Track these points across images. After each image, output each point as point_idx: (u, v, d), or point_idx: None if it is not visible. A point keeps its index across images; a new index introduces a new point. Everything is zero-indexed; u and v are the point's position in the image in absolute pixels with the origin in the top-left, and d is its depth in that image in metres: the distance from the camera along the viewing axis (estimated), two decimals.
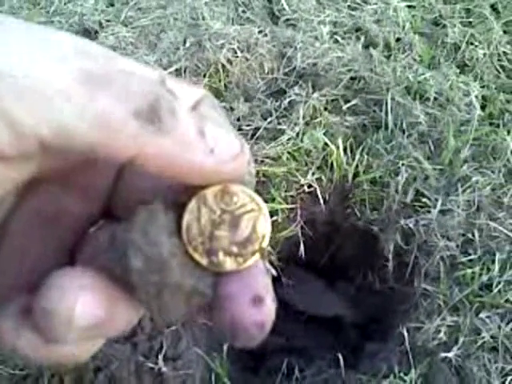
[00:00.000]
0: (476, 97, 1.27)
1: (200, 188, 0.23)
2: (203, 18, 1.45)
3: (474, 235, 1.06)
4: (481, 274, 1.01)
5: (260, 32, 1.42)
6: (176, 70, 1.33)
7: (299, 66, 1.34)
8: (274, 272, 0.25)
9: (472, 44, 1.43)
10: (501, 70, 1.39)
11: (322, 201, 1.14)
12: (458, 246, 1.05)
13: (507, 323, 0.95)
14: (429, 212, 1.08)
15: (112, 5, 1.56)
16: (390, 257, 1.09)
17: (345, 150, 1.17)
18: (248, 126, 1.22)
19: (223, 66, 1.34)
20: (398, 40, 1.44)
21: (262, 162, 1.14)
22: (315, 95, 1.26)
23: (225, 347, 0.98)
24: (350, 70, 1.32)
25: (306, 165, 1.16)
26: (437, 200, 1.09)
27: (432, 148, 1.19)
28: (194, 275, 0.23)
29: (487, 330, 0.95)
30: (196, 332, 1.00)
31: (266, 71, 1.36)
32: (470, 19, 1.51)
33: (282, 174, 1.13)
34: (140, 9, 1.53)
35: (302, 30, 1.44)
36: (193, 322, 1.00)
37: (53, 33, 0.21)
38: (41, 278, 0.22)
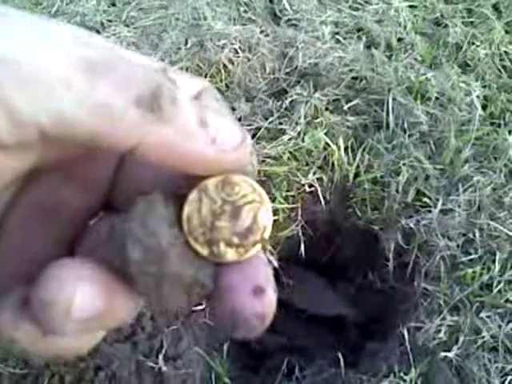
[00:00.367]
0: (477, 97, 1.27)
1: (201, 179, 0.23)
2: (205, 18, 1.45)
3: (474, 235, 1.05)
4: (481, 274, 1.01)
5: (262, 32, 1.42)
6: (178, 69, 1.33)
7: (301, 65, 1.34)
8: (275, 263, 0.25)
9: (474, 44, 1.42)
10: (502, 70, 1.38)
11: (322, 200, 1.14)
12: (458, 245, 1.05)
13: (507, 323, 0.95)
14: (429, 212, 1.08)
15: (114, 5, 1.56)
16: (391, 256, 1.09)
17: (346, 149, 1.17)
18: (249, 125, 1.22)
19: (225, 66, 1.34)
20: (399, 40, 1.44)
21: (263, 161, 1.14)
22: (316, 95, 1.26)
23: (225, 347, 0.98)
24: (351, 70, 1.32)
25: (307, 164, 1.16)
26: (438, 200, 1.09)
27: (433, 148, 1.19)
28: (193, 266, 0.22)
29: (487, 329, 0.95)
30: (196, 331, 1.00)
31: (268, 71, 1.36)
32: (472, 19, 1.51)
33: (283, 173, 1.13)
34: (142, 9, 1.53)
35: (304, 30, 1.44)
36: (194, 321, 1.00)
37: (54, 23, 0.21)
38: (40, 269, 0.21)
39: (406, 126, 1.21)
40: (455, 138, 1.17)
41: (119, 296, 0.22)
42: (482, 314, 0.96)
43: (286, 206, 1.11)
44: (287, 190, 1.13)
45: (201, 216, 0.23)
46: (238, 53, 1.36)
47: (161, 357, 0.94)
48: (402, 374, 0.92)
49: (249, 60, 1.36)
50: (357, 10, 1.52)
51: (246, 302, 0.22)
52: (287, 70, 1.36)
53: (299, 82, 1.32)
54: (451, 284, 1.01)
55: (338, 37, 1.43)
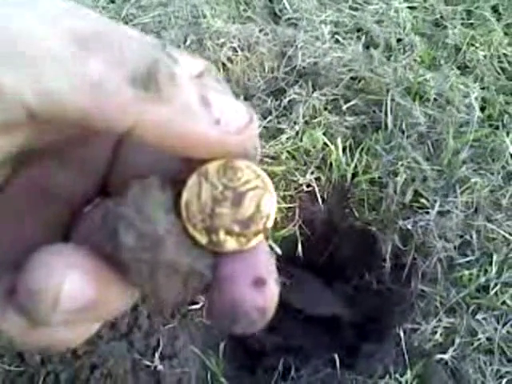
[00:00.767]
0: (476, 98, 1.27)
1: (202, 163, 0.22)
2: (204, 16, 1.45)
3: (471, 237, 1.06)
4: (478, 276, 1.01)
5: (261, 31, 1.42)
6: None
7: (300, 65, 1.34)
8: (278, 251, 0.23)
9: (473, 45, 1.43)
10: (501, 72, 1.39)
11: (320, 200, 1.14)
12: (455, 247, 1.05)
13: (503, 325, 0.95)
14: (427, 213, 1.08)
15: (113, 2, 1.56)
16: (388, 257, 1.09)
17: (344, 149, 1.17)
18: None
19: (224, 64, 1.34)
20: (398, 41, 1.44)
21: (261, 160, 1.14)
22: (315, 95, 1.26)
23: (221, 346, 0.98)
24: (350, 70, 1.32)
25: (305, 164, 1.16)
26: (435, 201, 1.09)
27: (431, 149, 1.19)
28: (191, 254, 0.21)
29: (483, 331, 0.95)
30: (192, 330, 1.00)
31: (267, 70, 1.36)
32: (471, 21, 1.51)
33: (281, 173, 1.13)
34: (141, 6, 1.53)
35: (303, 29, 1.43)
36: (190, 320, 1.00)
37: None
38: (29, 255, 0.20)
39: (404, 126, 1.21)
40: (453, 140, 1.17)
41: (112, 285, 0.21)
42: (478, 316, 0.97)
43: (284, 205, 1.11)
44: (285, 190, 1.12)
45: (200, 202, 0.22)
46: (237, 51, 1.36)
47: (157, 355, 0.94)
48: (397, 376, 0.92)
49: (248, 59, 1.36)
50: (356, 10, 1.52)
51: (246, 294, 0.21)
52: (286, 70, 1.36)
53: (298, 81, 1.32)
54: (448, 286, 1.01)
55: (337, 37, 1.43)
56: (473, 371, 0.92)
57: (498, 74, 1.38)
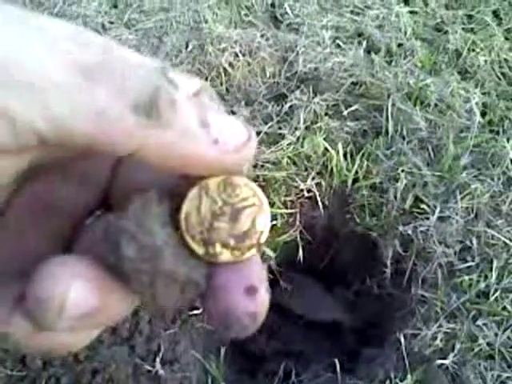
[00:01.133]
0: (476, 103, 1.27)
1: (200, 178, 0.23)
2: (206, 22, 1.46)
3: (471, 242, 1.06)
4: (478, 281, 1.01)
5: (262, 36, 1.43)
6: None
7: (301, 70, 1.34)
8: (271, 254, 0.24)
9: (473, 50, 1.43)
10: (502, 77, 1.39)
11: (321, 206, 1.14)
12: (455, 252, 1.05)
13: (504, 331, 0.96)
14: (427, 218, 1.09)
15: (115, 7, 1.57)
16: (389, 263, 1.09)
17: (345, 155, 1.17)
18: None
19: (225, 69, 1.34)
20: (399, 45, 1.45)
21: (262, 166, 1.15)
22: (316, 100, 1.26)
23: (222, 350, 0.99)
24: (351, 75, 1.33)
25: (306, 170, 1.16)
26: (435, 207, 1.10)
27: (432, 154, 1.19)
28: (187, 264, 0.22)
29: (484, 337, 0.95)
30: (193, 335, 1.00)
31: (268, 75, 1.36)
32: (472, 25, 1.52)
33: (282, 178, 1.13)
34: (143, 11, 1.53)
35: (304, 34, 1.44)
36: (191, 325, 1.00)
37: (46, 19, 0.21)
38: (35, 266, 0.21)
39: (404, 132, 1.22)
40: (454, 145, 1.17)
41: (113, 294, 0.22)
42: (479, 322, 0.97)
43: (285, 211, 1.11)
44: (286, 195, 1.13)
45: (200, 215, 0.23)
46: (238, 56, 1.36)
47: (158, 360, 0.94)
48: (398, 381, 0.92)
49: (249, 64, 1.37)
50: (357, 14, 1.53)
51: (238, 302, 0.22)
52: (287, 75, 1.36)
53: (299, 86, 1.32)
54: (448, 291, 1.02)
55: (338, 42, 1.43)
56: (473, 377, 0.92)
57: (499, 79, 1.38)
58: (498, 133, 1.25)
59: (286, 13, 1.52)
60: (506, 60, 1.42)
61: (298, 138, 1.19)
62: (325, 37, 1.43)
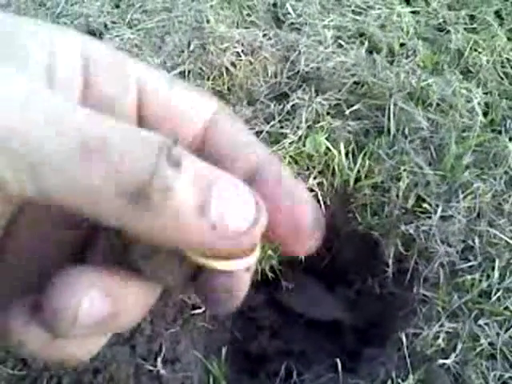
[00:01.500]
0: (478, 103, 1.27)
1: None
2: (208, 21, 1.46)
3: (474, 242, 1.06)
4: (480, 281, 1.01)
5: (264, 35, 1.43)
6: (180, 72, 1.34)
7: (303, 69, 1.34)
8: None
9: (475, 50, 1.43)
10: (504, 77, 1.39)
11: (323, 205, 1.14)
12: (457, 252, 1.05)
13: (506, 331, 0.95)
14: (429, 218, 1.08)
15: (117, 6, 1.57)
16: (390, 262, 1.09)
17: (347, 154, 1.17)
18: (251, 129, 1.22)
19: (227, 69, 1.34)
20: (401, 45, 1.45)
21: None
22: (318, 99, 1.26)
23: (223, 350, 0.98)
24: (353, 75, 1.33)
25: (308, 169, 1.16)
26: (437, 206, 1.09)
27: (434, 154, 1.19)
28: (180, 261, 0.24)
29: (486, 337, 0.95)
30: (195, 335, 1.00)
31: (270, 75, 1.36)
32: (474, 25, 1.52)
33: None
34: (145, 11, 1.53)
35: (306, 34, 1.44)
36: (192, 324, 1.00)
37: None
38: (51, 276, 0.22)
39: (406, 131, 1.22)
40: (456, 145, 1.17)
41: (125, 301, 0.23)
42: (481, 322, 0.96)
43: None
44: None
45: None
46: (240, 56, 1.36)
47: (159, 360, 0.94)
48: (399, 380, 0.92)
49: (251, 63, 1.36)
50: (359, 14, 1.53)
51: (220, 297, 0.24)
52: (289, 74, 1.36)
53: (301, 85, 1.32)
54: (450, 291, 1.01)
55: (340, 41, 1.43)
56: (475, 376, 0.92)
57: (501, 78, 1.38)
58: (500, 132, 1.25)
59: (288, 12, 1.52)
60: (508, 60, 1.42)
61: (300, 138, 1.19)
62: (327, 36, 1.43)
